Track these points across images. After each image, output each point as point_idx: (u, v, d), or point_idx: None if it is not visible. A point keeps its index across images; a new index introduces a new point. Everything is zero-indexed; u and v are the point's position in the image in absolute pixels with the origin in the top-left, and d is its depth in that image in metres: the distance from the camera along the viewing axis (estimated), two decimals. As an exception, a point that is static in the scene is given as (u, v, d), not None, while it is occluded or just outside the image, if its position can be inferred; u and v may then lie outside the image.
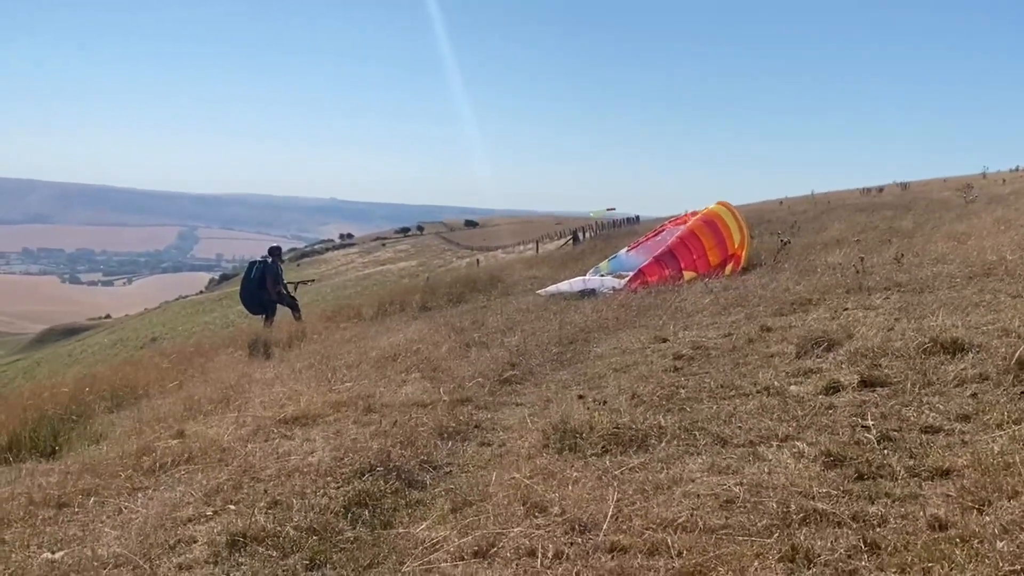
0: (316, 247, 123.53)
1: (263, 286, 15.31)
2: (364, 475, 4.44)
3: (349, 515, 3.97)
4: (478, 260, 49.85)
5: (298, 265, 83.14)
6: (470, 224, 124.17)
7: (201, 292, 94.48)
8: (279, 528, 3.79)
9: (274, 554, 3.58)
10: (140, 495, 4.80)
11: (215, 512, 4.21)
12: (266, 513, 4.03)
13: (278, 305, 15.76)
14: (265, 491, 4.37)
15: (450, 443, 5.08)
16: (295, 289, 16.73)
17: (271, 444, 5.45)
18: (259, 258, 15.81)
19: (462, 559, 3.25)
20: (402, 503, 4.13)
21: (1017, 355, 4.73)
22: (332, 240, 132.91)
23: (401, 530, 3.74)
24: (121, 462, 5.46)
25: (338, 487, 4.31)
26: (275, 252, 16.16)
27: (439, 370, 7.34)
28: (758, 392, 5.13)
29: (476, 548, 3.31)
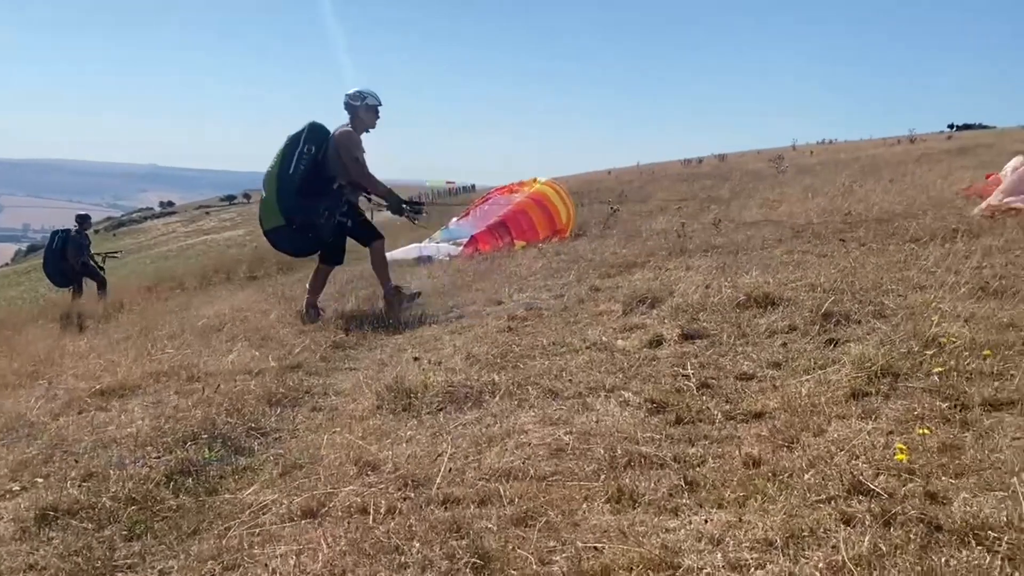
0: (134, 216, 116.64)
1: (64, 257, 14.83)
2: (187, 443, 4.23)
3: (171, 484, 3.77)
4: (310, 229, 48.60)
5: (114, 235, 78.31)
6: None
7: (7, 264, 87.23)
8: (94, 500, 3.55)
9: (89, 526, 3.36)
10: (-68, 477, 4.38)
11: (22, 488, 3.90)
12: (79, 486, 3.76)
13: (85, 278, 15.20)
14: (76, 461, 4.09)
15: (279, 409, 4.91)
16: (103, 261, 15.92)
17: (85, 416, 5.11)
18: (64, 228, 15.28)
19: (291, 520, 3.17)
20: (228, 470, 3.96)
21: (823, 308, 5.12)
22: (152, 208, 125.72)
23: (227, 496, 3.60)
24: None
25: (159, 456, 4.09)
26: (82, 220, 15.54)
27: (268, 338, 7.09)
28: (587, 348, 5.27)
29: (306, 508, 3.23)
